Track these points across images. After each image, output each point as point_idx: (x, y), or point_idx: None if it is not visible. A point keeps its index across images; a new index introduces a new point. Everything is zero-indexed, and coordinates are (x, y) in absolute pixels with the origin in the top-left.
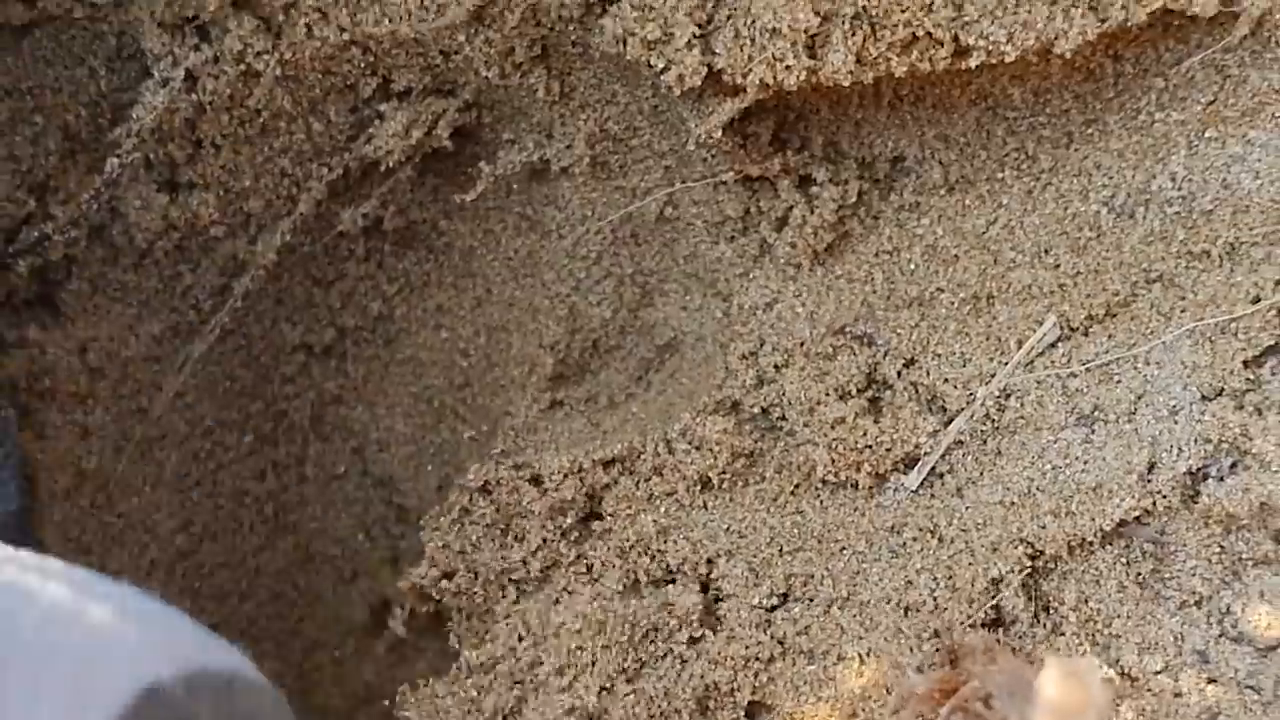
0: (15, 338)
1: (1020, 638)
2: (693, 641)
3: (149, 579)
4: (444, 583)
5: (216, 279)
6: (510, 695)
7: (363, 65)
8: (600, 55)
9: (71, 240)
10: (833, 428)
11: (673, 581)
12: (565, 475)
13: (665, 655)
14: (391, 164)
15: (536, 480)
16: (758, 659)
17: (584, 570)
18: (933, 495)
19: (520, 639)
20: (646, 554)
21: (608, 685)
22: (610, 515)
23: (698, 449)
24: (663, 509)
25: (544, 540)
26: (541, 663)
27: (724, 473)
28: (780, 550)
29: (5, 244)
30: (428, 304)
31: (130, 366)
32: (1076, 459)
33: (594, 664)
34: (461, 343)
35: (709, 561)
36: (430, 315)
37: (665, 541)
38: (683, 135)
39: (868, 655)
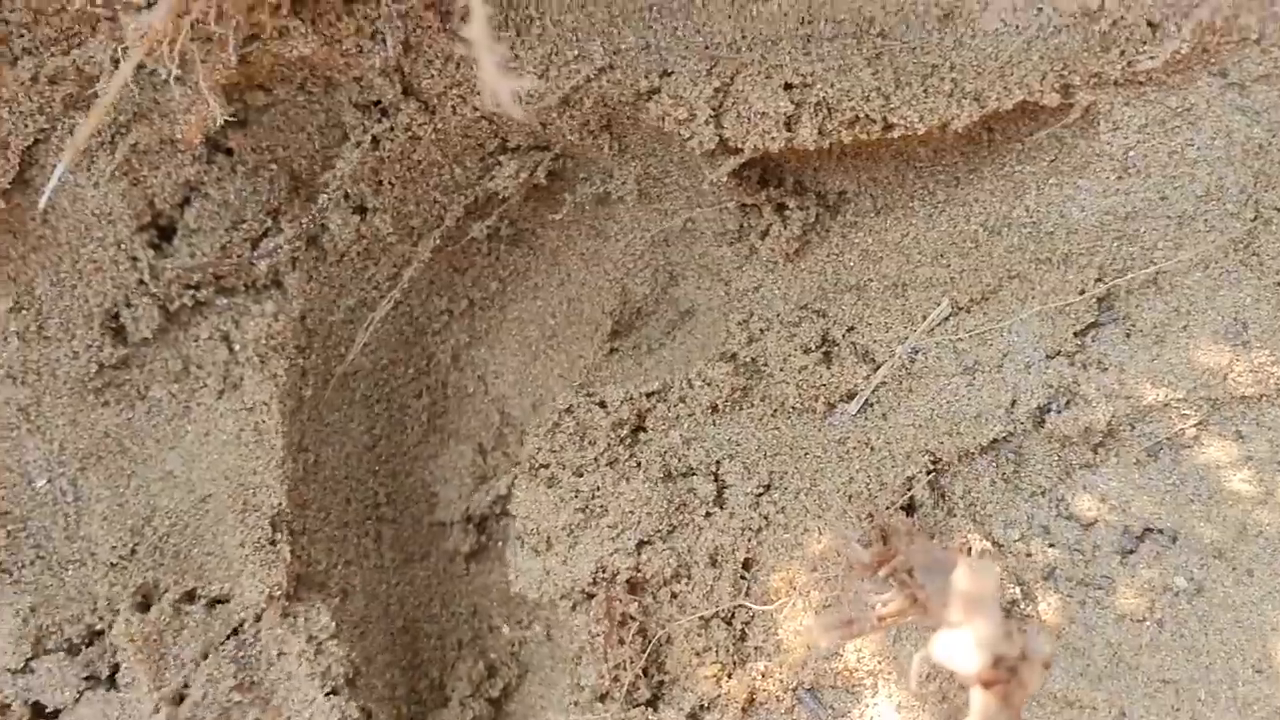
0: (256, 309)
1: (926, 518)
2: (707, 515)
3: (345, 463)
4: (541, 470)
5: (390, 269)
6: (579, 517)
7: (489, 131)
8: (646, 126)
9: (295, 247)
10: (799, 372)
11: (694, 474)
12: (621, 401)
13: (688, 524)
14: (507, 194)
15: (602, 404)
16: (749, 529)
17: (635, 465)
18: (866, 419)
19: (593, 497)
20: (675, 456)
21: (647, 540)
22: (651, 429)
23: (708, 385)
24: (686, 426)
25: (608, 444)
26: (607, 513)
27: (726, 401)
28: (765, 455)
29: (252, 250)
30: (528, 284)
31: (334, 327)
32: (963, 397)
33: (639, 524)
34: (550, 309)
35: (717, 462)
36: (530, 291)
37: (688, 448)
38: (700, 177)
39: (824, 529)
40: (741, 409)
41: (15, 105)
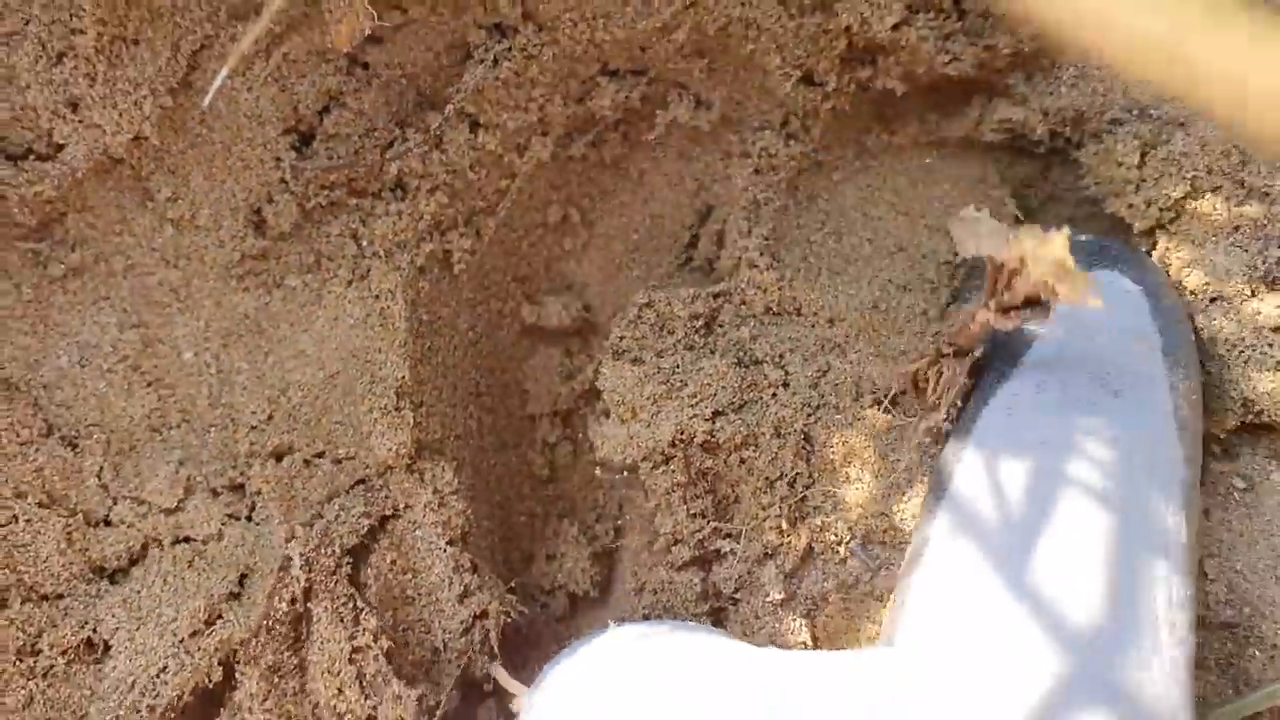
0: (382, 210)
1: None
2: (773, 396)
3: (454, 353)
4: (625, 353)
5: (499, 181)
6: (661, 389)
7: (594, 55)
8: (733, 56)
9: (419, 154)
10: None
11: (762, 364)
12: (693, 300)
13: (756, 401)
14: (604, 115)
15: (680, 300)
16: (809, 406)
17: (710, 352)
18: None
19: (674, 372)
20: (744, 349)
21: (721, 410)
22: (722, 326)
23: (764, 291)
24: (752, 324)
25: (685, 333)
26: (686, 386)
27: (778, 306)
28: (821, 349)
29: (381, 155)
30: (614, 201)
31: (448, 232)
32: None
33: (715, 396)
34: (634, 224)
35: (781, 355)
36: (616, 208)
37: (754, 342)
38: (771, 106)
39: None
40: (790, 315)
41: (186, 13)
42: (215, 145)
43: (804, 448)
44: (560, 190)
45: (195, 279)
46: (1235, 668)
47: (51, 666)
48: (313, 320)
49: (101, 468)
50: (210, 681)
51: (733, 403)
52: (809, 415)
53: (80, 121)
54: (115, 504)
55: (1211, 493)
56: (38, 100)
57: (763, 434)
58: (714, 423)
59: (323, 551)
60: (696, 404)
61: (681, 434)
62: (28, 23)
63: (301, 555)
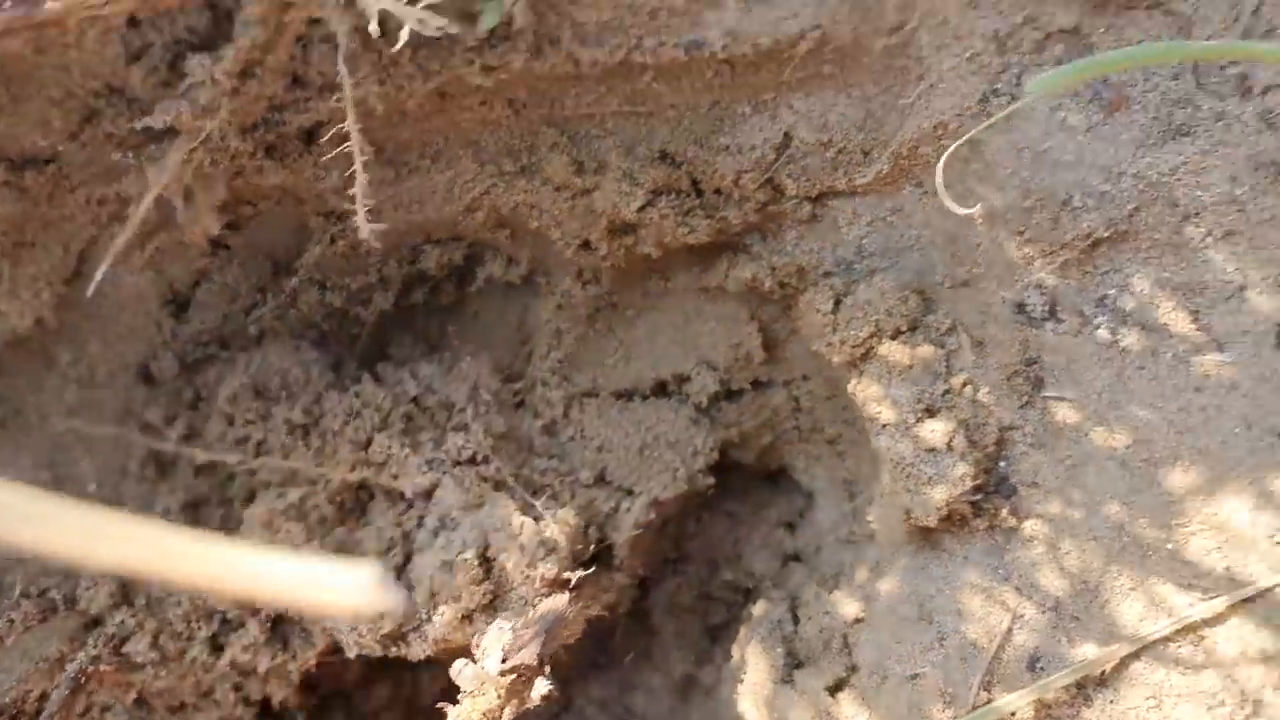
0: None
1: None
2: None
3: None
4: None
5: (351, 328)
6: None
7: (417, 230)
8: (526, 228)
9: (276, 313)
10: None
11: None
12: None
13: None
14: (433, 273)
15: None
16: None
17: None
18: None
19: None
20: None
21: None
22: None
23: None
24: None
25: None
26: None
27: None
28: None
29: (245, 316)
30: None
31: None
32: None
33: None
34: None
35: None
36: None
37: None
38: (565, 262)
39: None
40: None
41: (73, 220)
42: (106, 318)
43: None
44: (406, 330)
45: (96, 426)
46: None
47: None
48: None
49: None
50: None
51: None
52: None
53: None
54: None
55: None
56: None
57: None
58: None
59: None
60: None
61: None
62: None
63: None
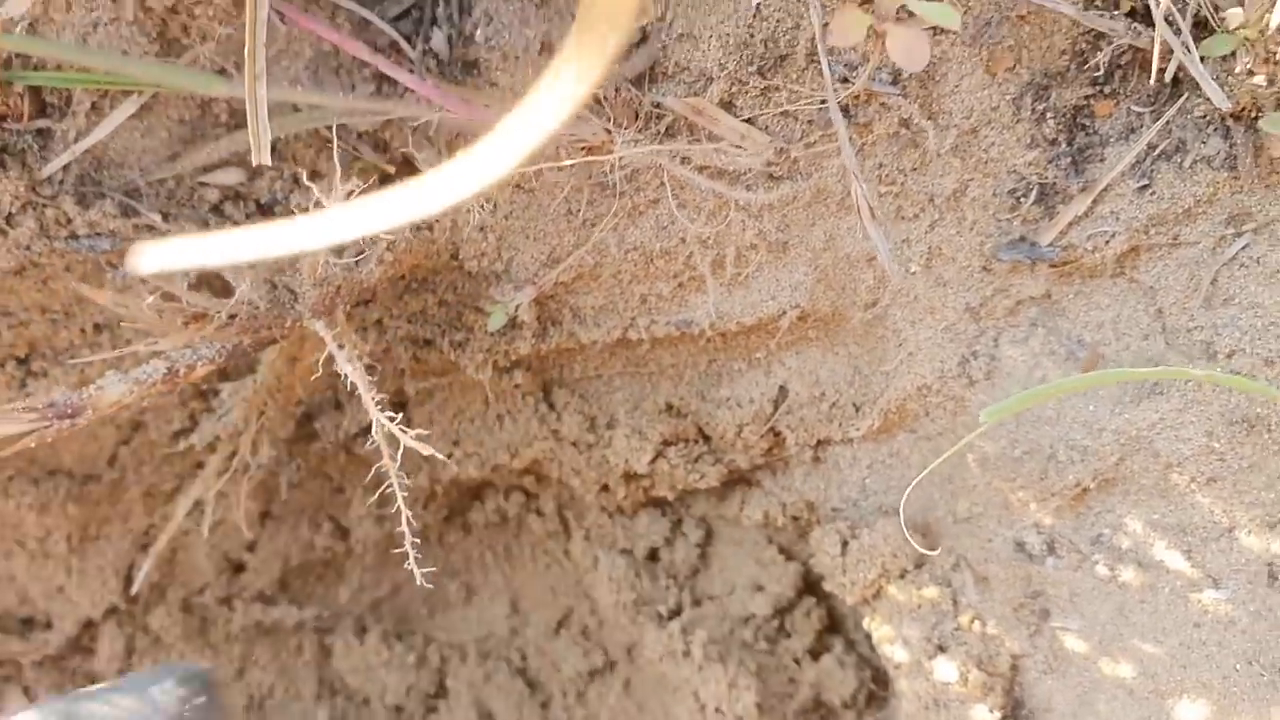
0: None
1: None
2: None
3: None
4: None
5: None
6: None
7: (457, 485)
8: (550, 479)
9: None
10: None
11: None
12: None
13: None
14: (479, 521)
15: None
16: None
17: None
18: None
19: None
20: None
21: None
22: None
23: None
24: None
25: None
26: None
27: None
28: None
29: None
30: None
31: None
32: None
33: None
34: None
35: None
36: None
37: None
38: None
39: None
40: None
41: (127, 526)
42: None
43: None
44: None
45: None
46: None
47: None
48: None
49: None
50: None
51: None
52: None
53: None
54: None
55: None
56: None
57: None
58: None
59: None
60: None
61: None
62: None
63: None
